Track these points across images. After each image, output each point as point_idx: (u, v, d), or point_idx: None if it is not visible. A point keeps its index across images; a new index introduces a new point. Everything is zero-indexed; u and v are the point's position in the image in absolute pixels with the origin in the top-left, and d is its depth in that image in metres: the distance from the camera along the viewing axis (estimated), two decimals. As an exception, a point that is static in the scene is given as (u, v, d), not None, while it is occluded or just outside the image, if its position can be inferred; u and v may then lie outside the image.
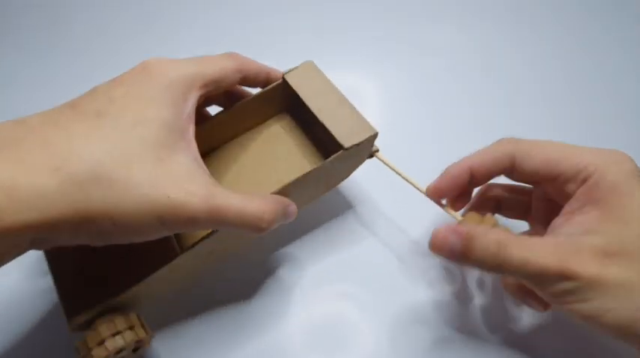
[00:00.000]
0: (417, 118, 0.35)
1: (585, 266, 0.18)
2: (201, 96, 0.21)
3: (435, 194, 0.24)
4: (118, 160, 0.16)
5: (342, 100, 0.25)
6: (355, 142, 0.24)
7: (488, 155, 0.23)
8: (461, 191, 0.24)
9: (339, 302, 0.27)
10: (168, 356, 0.25)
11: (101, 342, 0.19)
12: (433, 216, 0.30)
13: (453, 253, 0.20)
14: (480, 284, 0.27)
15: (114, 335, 0.20)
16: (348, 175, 0.27)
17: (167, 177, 0.17)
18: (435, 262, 0.28)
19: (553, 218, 0.22)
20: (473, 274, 0.28)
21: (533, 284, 0.20)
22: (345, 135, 0.24)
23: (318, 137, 0.27)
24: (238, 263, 0.28)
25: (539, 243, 0.20)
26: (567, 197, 0.21)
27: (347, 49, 0.41)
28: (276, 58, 0.40)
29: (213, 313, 0.26)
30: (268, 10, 0.44)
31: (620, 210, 0.19)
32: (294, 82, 0.26)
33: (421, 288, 0.27)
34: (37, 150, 0.16)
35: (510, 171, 0.23)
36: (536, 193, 0.25)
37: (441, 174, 0.24)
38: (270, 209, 0.20)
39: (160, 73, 0.19)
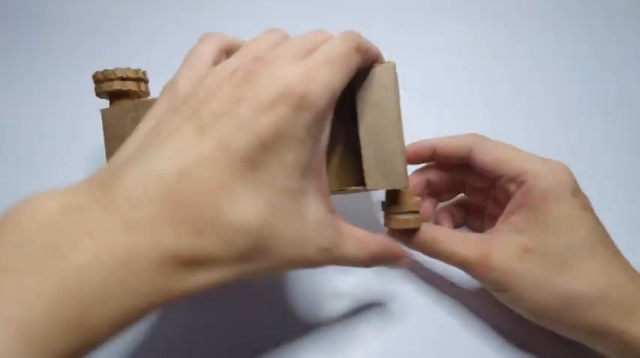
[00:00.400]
0: (417, 118, 0.35)
1: (502, 259, 0.22)
2: None
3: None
4: (270, 225, 0.17)
5: (397, 130, 0.22)
6: (379, 188, 0.22)
7: (451, 141, 0.26)
8: (420, 162, 0.27)
9: (339, 302, 0.27)
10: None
11: None
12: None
13: (401, 238, 0.25)
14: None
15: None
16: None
17: (305, 235, 0.18)
18: (435, 261, 0.28)
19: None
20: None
21: (464, 271, 0.24)
22: (374, 174, 0.22)
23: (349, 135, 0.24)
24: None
25: (466, 237, 0.24)
26: (508, 197, 0.24)
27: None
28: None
29: (210, 311, 0.26)
30: (268, 10, 0.44)
31: (545, 214, 0.22)
32: (359, 86, 0.23)
33: (421, 288, 0.27)
34: (198, 218, 0.15)
35: (467, 161, 0.25)
36: (490, 193, 0.27)
37: (409, 145, 0.27)
38: (380, 255, 0.21)
39: (307, 108, 0.17)
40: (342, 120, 0.23)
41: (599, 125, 0.35)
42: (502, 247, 0.22)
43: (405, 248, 0.23)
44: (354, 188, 0.23)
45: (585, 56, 0.40)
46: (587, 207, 0.23)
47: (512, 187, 0.24)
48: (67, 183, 0.16)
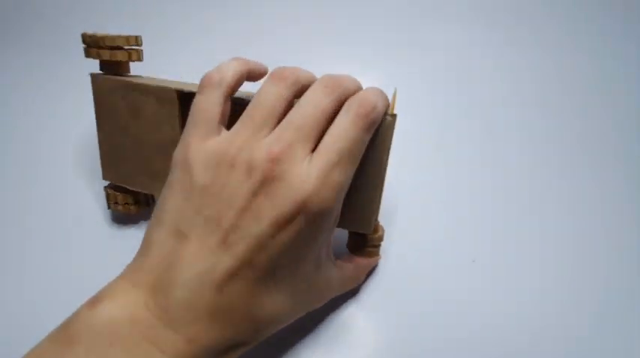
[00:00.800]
0: (417, 118, 0.35)
1: None
2: None
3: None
4: (296, 305, 0.21)
5: (379, 180, 0.22)
6: (345, 228, 0.23)
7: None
8: None
9: (340, 301, 0.27)
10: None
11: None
12: (432, 216, 0.30)
13: None
14: (481, 284, 0.27)
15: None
16: None
17: (315, 295, 0.23)
18: (435, 263, 0.28)
19: None
20: (474, 273, 0.28)
21: None
22: (345, 213, 0.22)
23: None
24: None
25: None
26: None
27: (347, 49, 0.41)
28: (275, 59, 0.40)
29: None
30: (267, 10, 0.44)
31: None
32: None
33: (419, 289, 0.27)
34: (237, 320, 0.19)
35: None
36: None
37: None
38: (363, 275, 0.26)
39: (323, 221, 0.19)
40: None
41: (592, 126, 0.36)
42: None
43: (374, 260, 0.27)
44: None
45: (585, 53, 0.40)
46: None
47: None
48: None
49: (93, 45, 0.23)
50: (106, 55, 0.23)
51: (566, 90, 0.38)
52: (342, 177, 0.19)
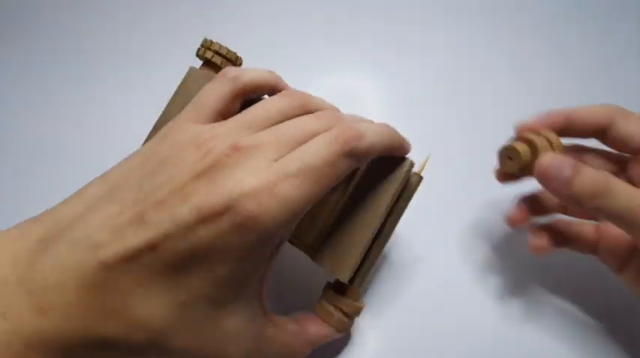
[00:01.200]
0: (417, 118, 0.35)
1: None
2: None
3: (527, 128, 0.23)
4: (176, 327, 0.16)
5: (374, 224, 0.20)
6: (320, 266, 0.21)
7: (588, 108, 0.23)
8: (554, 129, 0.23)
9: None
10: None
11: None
12: (431, 216, 0.30)
13: (559, 178, 0.19)
14: (482, 283, 0.27)
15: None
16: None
17: (213, 344, 0.17)
18: (435, 262, 0.28)
19: None
20: (474, 273, 0.28)
21: (629, 221, 0.19)
22: (326, 251, 0.20)
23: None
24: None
25: None
26: None
27: (347, 49, 0.41)
28: (275, 59, 0.40)
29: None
30: (267, 10, 0.44)
31: None
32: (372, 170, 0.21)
33: (420, 289, 0.27)
34: (108, 307, 0.16)
35: (605, 131, 0.23)
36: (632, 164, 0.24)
37: (539, 114, 0.24)
38: (306, 351, 0.21)
39: (253, 230, 0.16)
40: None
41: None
42: None
43: (332, 331, 0.21)
44: (302, 249, 0.21)
45: (584, 52, 0.40)
46: None
47: None
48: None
49: (206, 48, 0.26)
50: (209, 54, 0.26)
51: (568, 90, 0.38)
52: (294, 192, 0.16)
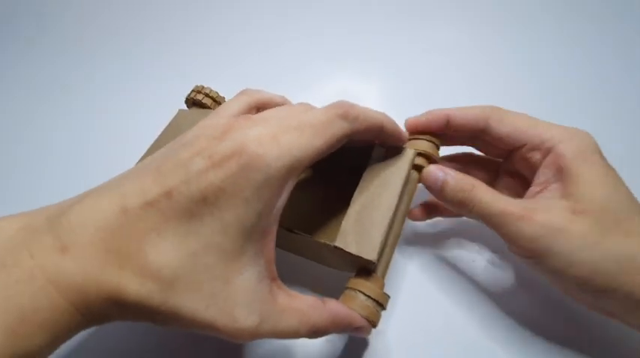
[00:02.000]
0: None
1: (550, 217, 0.21)
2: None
3: (412, 127, 0.26)
4: (189, 277, 0.17)
5: (391, 204, 0.21)
6: (344, 248, 0.21)
7: (466, 110, 0.25)
8: (432, 131, 0.26)
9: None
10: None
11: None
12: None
13: (435, 184, 0.23)
14: (483, 284, 0.27)
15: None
16: (343, 269, 0.24)
17: (223, 303, 0.17)
18: (435, 263, 0.28)
19: (519, 192, 0.25)
20: (475, 272, 0.28)
21: (493, 224, 0.22)
22: (349, 234, 0.21)
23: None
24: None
25: (509, 197, 0.22)
26: (531, 167, 0.24)
27: (347, 50, 0.41)
28: (274, 58, 0.41)
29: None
30: (268, 10, 0.44)
31: (585, 176, 0.21)
32: (376, 154, 0.23)
33: (421, 291, 0.27)
34: (124, 252, 0.16)
35: (481, 133, 0.25)
36: (504, 166, 0.27)
37: (422, 114, 0.26)
38: (325, 328, 0.20)
39: (258, 168, 0.17)
40: (350, 180, 0.23)
41: (592, 125, 0.35)
42: (549, 208, 0.21)
43: (361, 319, 0.21)
44: (323, 241, 0.22)
45: (581, 55, 0.40)
46: (612, 167, 0.22)
47: (536, 155, 0.23)
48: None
49: (197, 91, 0.30)
50: (200, 96, 0.29)
51: (569, 91, 0.38)
52: (295, 140, 0.18)
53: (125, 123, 0.36)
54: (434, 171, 0.23)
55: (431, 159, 0.24)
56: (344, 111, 0.19)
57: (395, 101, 0.37)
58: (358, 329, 0.21)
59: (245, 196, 0.17)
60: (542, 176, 0.23)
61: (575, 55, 0.40)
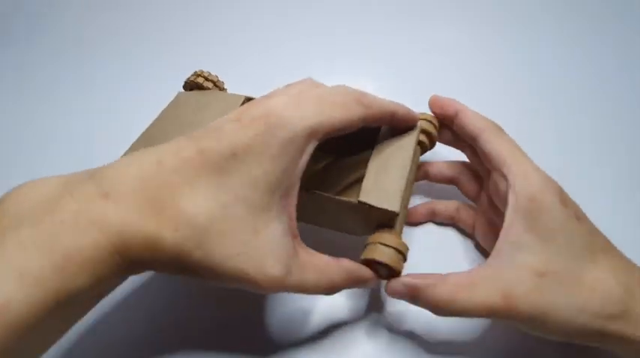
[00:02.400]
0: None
1: (524, 293, 0.20)
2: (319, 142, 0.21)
3: (431, 103, 0.28)
4: (219, 226, 0.18)
5: (405, 163, 0.24)
6: (368, 202, 0.22)
7: (472, 116, 0.26)
8: (439, 117, 0.28)
9: (340, 300, 0.27)
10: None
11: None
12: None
13: (408, 298, 0.22)
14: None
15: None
16: (361, 232, 0.25)
17: (253, 252, 0.19)
18: (435, 264, 0.28)
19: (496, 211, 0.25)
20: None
21: (489, 318, 0.22)
22: (370, 190, 0.23)
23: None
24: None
25: (480, 278, 0.21)
26: (499, 194, 0.24)
27: (347, 50, 0.41)
28: (275, 59, 0.41)
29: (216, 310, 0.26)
30: (268, 12, 0.44)
31: (543, 226, 0.21)
32: (385, 130, 0.26)
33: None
34: (160, 201, 0.18)
35: (473, 143, 0.26)
36: (486, 184, 0.27)
37: (446, 97, 0.28)
38: (341, 283, 0.21)
39: (284, 126, 0.19)
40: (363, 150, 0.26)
41: (592, 124, 0.36)
42: (517, 278, 0.20)
43: (369, 271, 0.22)
44: (346, 199, 0.23)
45: (581, 55, 0.40)
46: (579, 216, 0.22)
47: (502, 185, 0.23)
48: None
49: (197, 74, 0.31)
50: (201, 80, 0.30)
51: (569, 91, 0.38)
52: (314, 109, 0.20)
53: (126, 123, 0.36)
54: (394, 287, 0.22)
55: (431, 136, 0.27)
56: (360, 95, 0.22)
57: (394, 97, 0.37)
58: (367, 281, 0.22)
59: (271, 153, 0.19)
60: (507, 215, 0.22)
61: (575, 55, 0.41)
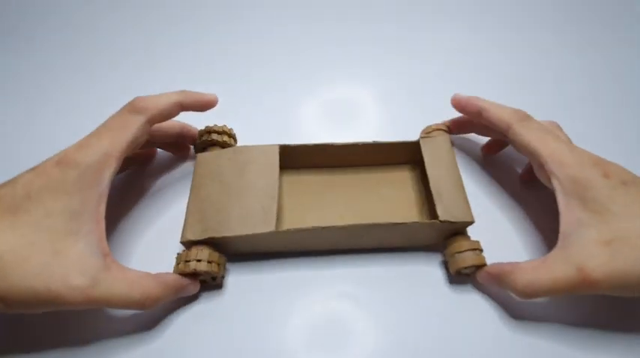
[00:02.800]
0: (418, 119, 0.35)
1: (597, 265, 0.21)
2: (121, 162, 0.24)
3: (454, 102, 0.30)
4: (18, 254, 0.20)
5: (457, 179, 0.27)
6: (452, 220, 0.25)
7: (497, 111, 0.27)
8: (464, 115, 0.30)
9: (340, 301, 0.26)
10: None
11: (187, 261, 0.25)
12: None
13: (494, 285, 0.25)
14: (482, 284, 0.27)
15: (199, 260, 0.25)
16: (430, 243, 0.28)
17: (56, 270, 0.20)
18: (435, 265, 0.28)
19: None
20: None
21: (568, 294, 0.22)
22: (445, 209, 0.26)
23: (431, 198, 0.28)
24: (245, 261, 0.27)
25: (551, 260, 0.22)
26: (544, 176, 0.25)
27: (346, 52, 0.41)
28: (275, 60, 0.40)
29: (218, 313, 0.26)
30: (269, 16, 0.45)
31: (591, 200, 0.22)
32: (425, 147, 0.29)
33: (421, 289, 0.27)
34: None
35: (504, 136, 0.27)
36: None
37: (466, 96, 0.30)
38: (156, 293, 0.23)
39: (73, 164, 0.22)
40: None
41: (597, 121, 0.36)
42: (588, 253, 0.21)
43: (187, 280, 0.25)
44: (429, 221, 0.26)
45: (581, 55, 0.41)
46: (625, 180, 0.23)
47: (543, 172, 0.25)
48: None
49: (210, 131, 0.30)
50: (216, 136, 0.30)
51: (569, 90, 0.38)
52: (97, 143, 0.23)
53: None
54: (484, 277, 0.25)
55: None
56: (130, 109, 0.24)
57: (395, 101, 0.37)
58: (187, 288, 0.25)
59: (66, 189, 0.21)
60: (559, 198, 0.23)
61: (575, 55, 0.41)
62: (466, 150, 0.34)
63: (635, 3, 0.46)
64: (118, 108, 0.25)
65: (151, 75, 0.39)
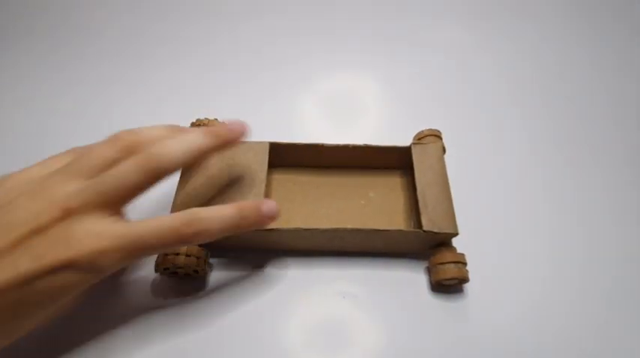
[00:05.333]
0: (419, 119, 0.35)
1: None
2: None
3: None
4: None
5: (445, 189, 0.27)
6: (434, 230, 0.25)
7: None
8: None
9: (340, 301, 0.27)
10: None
11: (166, 254, 0.25)
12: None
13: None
14: (481, 284, 0.27)
15: (177, 254, 0.25)
16: (414, 251, 0.28)
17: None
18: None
19: None
20: (474, 275, 0.28)
21: None
22: (429, 219, 0.26)
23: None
24: (245, 261, 0.28)
25: None
26: None
27: (347, 49, 0.41)
28: (275, 61, 0.41)
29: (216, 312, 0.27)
30: (268, 12, 0.44)
31: None
32: (416, 154, 0.29)
33: (421, 288, 0.27)
34: None
35: None
36: None
37: None
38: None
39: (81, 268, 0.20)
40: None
41: (596, 121, 0.36)
42: None
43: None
44: (413, 230, 0.26)
45: (582, 51, 0.40)
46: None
47: None
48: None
49: (200, 124, 0.30)
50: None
51: (569, 91, 0.38)
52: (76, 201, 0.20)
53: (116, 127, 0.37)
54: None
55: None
56: (151, 169, 0.22)
57: (394, 102, 0.37)
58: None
59: (68, 291, 0.20)
60: None
61: (576, 55, 0.40)
62: (459, 158, 0.33)
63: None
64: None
65: (151, 75, 0.40)
